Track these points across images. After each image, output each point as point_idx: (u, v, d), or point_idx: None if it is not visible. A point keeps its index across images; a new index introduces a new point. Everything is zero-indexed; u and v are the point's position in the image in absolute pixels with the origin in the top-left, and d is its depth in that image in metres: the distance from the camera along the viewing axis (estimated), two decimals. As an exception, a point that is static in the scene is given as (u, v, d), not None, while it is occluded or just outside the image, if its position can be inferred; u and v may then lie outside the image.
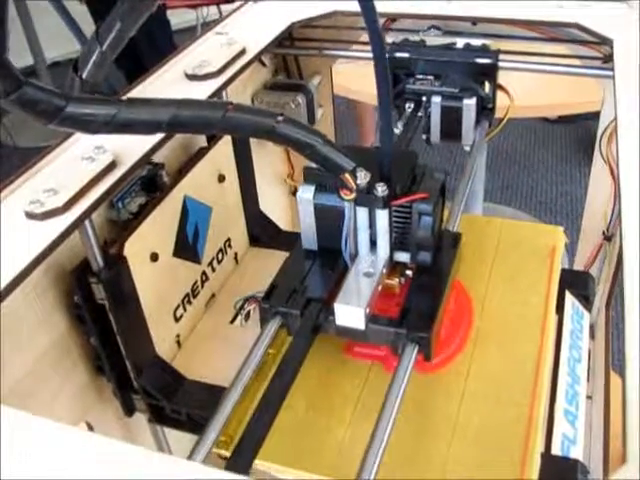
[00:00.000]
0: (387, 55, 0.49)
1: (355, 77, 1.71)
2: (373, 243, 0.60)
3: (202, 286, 0.79)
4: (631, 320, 0.44)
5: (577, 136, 2.50)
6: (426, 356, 0.57)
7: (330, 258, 0.62)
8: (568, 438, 0.57)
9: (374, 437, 0.49)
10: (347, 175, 0.54)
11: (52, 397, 0.64)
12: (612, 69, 0.71)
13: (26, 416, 0.38)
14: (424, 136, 0.85)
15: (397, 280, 0.62)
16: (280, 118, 0.50)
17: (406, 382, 0.53)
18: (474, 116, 0.81)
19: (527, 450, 0.54)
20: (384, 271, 0.60)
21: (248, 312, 0.79)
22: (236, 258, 0.86)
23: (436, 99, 0.81)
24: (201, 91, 0.72)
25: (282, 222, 0.99)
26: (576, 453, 0.56)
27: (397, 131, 0.81)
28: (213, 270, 0.81)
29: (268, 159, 1.02)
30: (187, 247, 0.75)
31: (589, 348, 0.69)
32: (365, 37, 0.95)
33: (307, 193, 0.60)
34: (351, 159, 0.54)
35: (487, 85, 0.82)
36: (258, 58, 0.84)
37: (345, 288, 0.57)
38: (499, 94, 0.84)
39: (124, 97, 0.47)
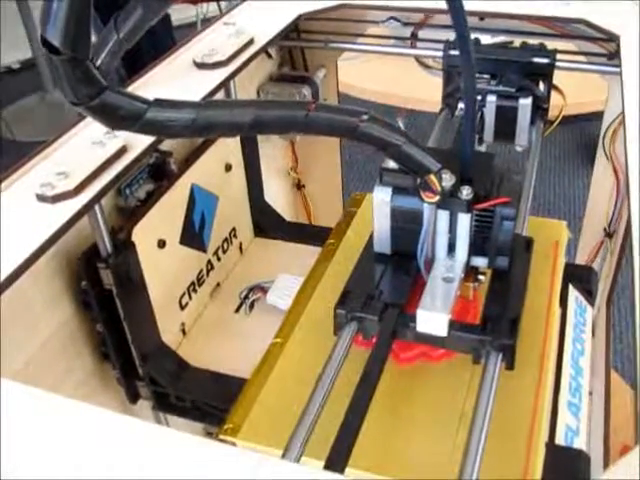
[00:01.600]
0: (442, 53, 0.47)
1: (358, 74, 1.73)
2: (450, 247, 0.58)
3: (207, 275, 0.79)
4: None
5: (578, 137, 2.50)
6: (508, 364, 0.55)
7: (403, 262, 0.59)
8: (571, 429, 0.58)
9: (469, 444, 0.48)
10: (432, 177, 0.51)
11: (57, 383, 0.65)
12: (618, 65, 0.71)
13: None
14: (477, 135, 0.83)
15: (471, 285, 0.60)
16: (365, 117, 0.47)
17: (494, 390, 0.52)
18: (529, 116, 0.80)
19: (532, 440, 0.54)
20: (462, 276, 0.57)
21: (252, 301, 0.79)
22: (241, 248, 0.86)
23: (491, 98, 0.80)
24: (210, 79, 0.72)
25: (285, 214, 1.00)
26: (579, 444, 0.57)
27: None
28: (218, 259, 0.81)
29: (273, 151, 1.02)
30: (194, 235, 0.75)
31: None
32: (372, 30, 0.96)
33: (384, 195, 0.57)
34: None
35: (541, 85, 0.81)
36: (265, 49, 0.84)
37: (426, 293, 0.55)
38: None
39: (205, 99, 0.45)
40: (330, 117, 0.47)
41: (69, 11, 0.36)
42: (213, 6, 2.32)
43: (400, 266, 0.59)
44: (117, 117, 0.42)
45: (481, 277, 0.60)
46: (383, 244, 0.60)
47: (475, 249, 0.58)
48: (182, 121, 0.43)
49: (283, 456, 0.47)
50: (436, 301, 0.54)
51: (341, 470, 0.45)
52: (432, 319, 0.54)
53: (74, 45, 0.37)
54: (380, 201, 0.57)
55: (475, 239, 0.57)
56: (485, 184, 0.55)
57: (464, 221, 0.55)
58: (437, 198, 0.53)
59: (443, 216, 0.56)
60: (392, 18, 0.92)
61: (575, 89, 1.41)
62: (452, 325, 0.54)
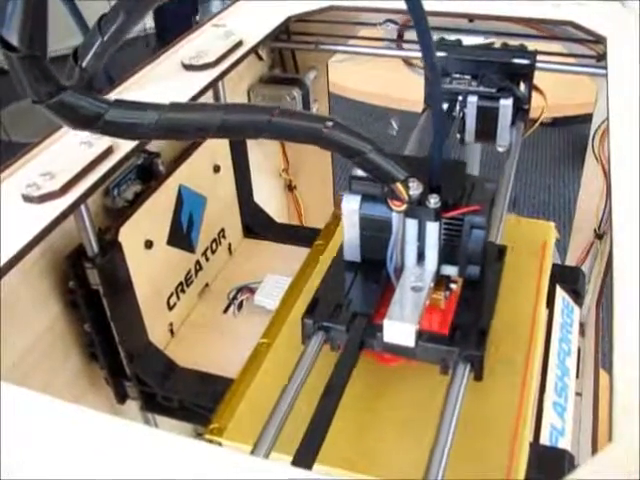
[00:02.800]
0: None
1: (350, 75, 1.73)
2: (419, 256, 0.57)
3: (196, 275, 0.79)
4: (619, 307, 0.44)
5: (570, 139, 2.51)
6: (477, 375, 0.54)
7: (373, 270, 0.59)
8: (556, 429, 0.58)
9: (434, 453, 0.48)
10: (399, 185, 0.51)
11: (44, 383, 0.65)
12: (605, 67, 0.71)
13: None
14: (458, 136, 0.84)
15: (442, 294, 0.59)
16: (329, 123, 0.47)
17: (460, 402, 0.51)
18: (510, 117, 0.80)
19: (516, 440, 0.54)
20: (432, 285, 0.57)
21: (241, 302, 0.80)
22: (230, 249, 0.86)
23: (472, 99, 0.80)
24: (198, 81, 0.72)
25: (277, 215, 1.00)
26: (564, 444, 0.57)
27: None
28: (207, 260, 0.81)
29: (263, 152, 1.02)
30: (181, 236, 0.75)
31: (579, 346, 0.70)
32: (362, 32, 0.97)
33: (353, 203, 0.57)
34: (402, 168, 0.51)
35: (522, 86, 0.81)
36: (255, 51, 0.85)
37: (394, 303, 0.54)
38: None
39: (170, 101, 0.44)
40: (295, 123, 0.47)
41: (25, 9, 0.37)
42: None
43: (370, 274, 0.59)
44: (77, 117, 0.42)
45: (453, 286, 0.59)
46: (353, 252, 0.60)
47: (446, 258, 0.57)
48: (144, 122, 0.43)
49: (252, 452, 0.47)
50: (404, 311, 0.54)
51: (308, 466, 0.45)
52: (399, 329, 0.53)
53: (31, 42, 0.38)
54: (349, 209, 0.57)
55: (445, 248, 0.57)
56: (454, 192, 0.55)
57: (432, 230, 0.55)
58: (405, 206, 0.53)
59: (411, 224, 0.55)
60: (389, 20, 0.93)
61: (569, 91, 1.42)
62: (420, 335, 0.53)
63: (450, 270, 0.58)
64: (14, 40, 0.37)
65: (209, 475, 0.34)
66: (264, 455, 0.47)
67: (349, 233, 0.59)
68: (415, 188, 0.52)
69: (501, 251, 0.63)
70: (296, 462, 0.45)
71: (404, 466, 0.52)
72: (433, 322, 0.58)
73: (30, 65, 0.39)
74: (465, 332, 0.55)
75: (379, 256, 0.57)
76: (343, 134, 0.48)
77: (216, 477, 0.34)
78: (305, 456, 0.46)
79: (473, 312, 0.57)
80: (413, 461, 0.51)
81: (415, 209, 0.53)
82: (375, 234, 0.57)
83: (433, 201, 0.53)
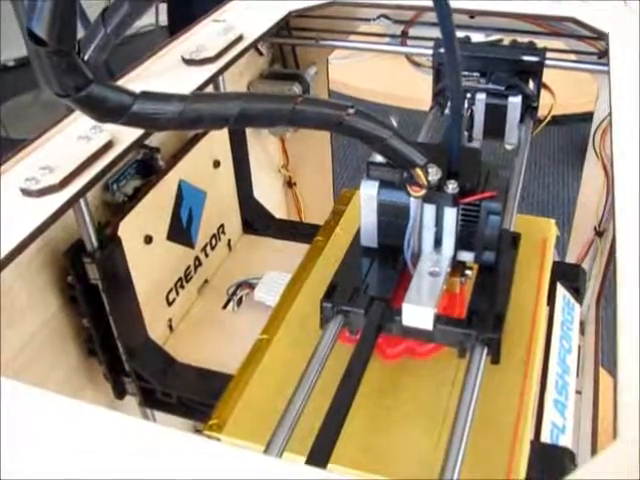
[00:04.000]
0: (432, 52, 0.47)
1: (352, 73, 1.73)
2: (436, 242, 0.58)
3: (195, 271, 0.79)
4: (623, 304, 0.44)
5: (570, 138, 2.51)
6: (494, 358, 0.55)
7: (390, 256, 0.59)
8: (557, 427, 0.58)
9: (452, 442, 0.47)
10: (419, 170, 0.51)
11: (42, 379, 0.64)
12: (607, 64, 0.71)
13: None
14: (466, 133, 0.83)
15: (458, 279, 0.60)
16: (351, 110, 0.47)
17: (479, 384, 0.52)
18: (519, 114, 0.80)
19: (516, 438, 0.54)
20: (448, 270, 0.58)
21: (240, 298, 0.80)
22: (229, 245, 0.86)
23: (481, 96, 0.80)
24: (198, 76, 0.72)
25: (276, 211, 1.00)
26: (565, 442, 0.57)
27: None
28: (206, 256, 0.81)
29: (263, 148, 1.02)
30: (181, 231, 0.75)
31: (579, 344, 0.69)
32: (363, 28, 0.96)
33: (371, 189, 0.57)
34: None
35: (531, 83, 0.81)
36: (255, 46, 0.84)
37: (412, 287, 0.55)
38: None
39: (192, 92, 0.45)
40: (316, 110, 0.47)
41: (55, 3, 0.36)
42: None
43: (387, 260, 0.60)
44: (104, 109, 0.42)
45: (468, 272, 0.60)
46: (370, 238, 0.60)
47: (462, 244, 0.58)
48: (169, 113, 0.43)
49: (265, 451, 0.47)
50: (422, 295, 0.54)
51: (323, 465, 0.45)
52: (418, 313, 0.54)
53: (60, 37, 0.37)
54: (367, 195, 0.57)
55: (462, 234, 0.57)
56: (472, 178, 0.55)
57: (450, 215, 0.55)
58: (423, 192, 0.53)
59: (429, 210, 0.56)
60: (382, 16, 0.93)
61: (571, 89, 1.42)
62: (438, 319, 0.54)
63: (466, 256, 0.59)
64: (43, 34, 0.36)
65: (208, 471, 0.33)
66: (277, 454, 0.47)
67: (367, 218, 0.59)
68: (434, 174, 0.52)
69: (515, 238, 0.64)
70: (311, 460, 0.45)
71: (418, 464, 0.52)
72: (450, 306, 0.59)
73: (58, 59, 0.38)
74: (482, 316, 0.55)
75: (396, 242, 0.58)
76: (364, 121, 0.48)
77: (215, 473, 0.33)
78: (320, 454, 0.46)
79: (489, 297, 0.57)
80: (427, 458, 0.51)
81: (433, 195, 0.54)
82: (393, 220, 0.58)
83: (451, 187, 0.53)
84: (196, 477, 0.33)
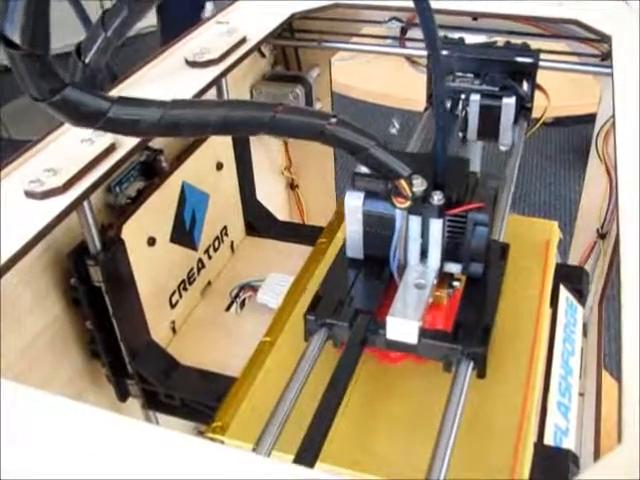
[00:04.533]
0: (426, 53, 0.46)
1: (354, 75, 1.73)
2: (422, 253, 0.57)
3: (198, 273, 0.79)
4: (627, 306, 0.44)
5: (573, 139, 2.51)
6: (480, 372, 0.54)
7: (375, 267, 0.59)
8: (560, 429, 0.58)
9: (436, 451, 0.47)
10: (403, 182, 0.51)
11: (45, 381, 0.64)
12: (610, 66, 0.71)
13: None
14: (460, 134, 0.84)
15: (445, 292, 0.59)
16: (333, 120, 0.47)
17: (463, 400, 0.51)
18: (513, 115, 0.80)
19: (520, 440, 0.54)
20: (435, 282, 0.57)
21: (243, 300, 0.80)
22: (232, 247, 0.86)
23: (475, 97, 0.80)
24: (201, 78, 0.72)
25: (279, 213, 1.00)
26: (568, 444, 0.57)
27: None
28: (209, 258, 0.81)
29: (266, 151, 1.02)
30: (184, 233, 0.75)
31: (582, 345, 0.69)
32: (365, 30, 0.96)
33: (356, 200, 0.57)
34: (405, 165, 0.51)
35: (525, 84, 0.81)
36: (258, 48, 0.84)
37: (397, 300, 0.54)
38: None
39: (171, 99, 0.44)
40: (297, 119, 0.47)
41: (27, 6, 0.36)
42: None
43: (373, 272, 0.59)
44: (79, 114, 0.41)
45: (456, 283, 0.59)
46: (356, 249, 0.60)
47: (449, 255, 0.57)
48: (148, 120, 0.43)
49: (253, 450, 0.47)
50: (407, 308, 0.54)
51: (310, 464, 0.45)
52: (402, 326, 0.53)
53: (33, 40, 0.37)
54: (352, 206, 0.57)
55: (448, 245, 0.57)
56: (458, 189, 0.55)
57: (436, 227, 0.55)
58: (408, 203, 0.52)
59: (415, 221, 0.55)
60: (394, 19, 0.92)
61: (573, 91, 1.42)
62: (423, 332, 0.53)
63: (453, 268, 0.58)
64: (16, 37, 0.36)
65: (211, 473, 0.33)
66: (265, 453, 0.47)
67: (352, 230, 0.59)
68: (419, 185, 0.51)
69: (504, 249, 0.63)
70: (298, 460, 0.45)
71: (407, 465, 0.52)
72: (436, 319, 0.58)
73: (32, 63, 0.38)
74: (468, 329, 0.54)
75: (382, 253, 0.57)
76: (346, 130, 0.48)
77: (218, 475, 0.33)
78: (307, 454, 0.46)
79: (476, 310, 0.57)
80: (416, 460, 0.51)
81: (418, 206, 0.53)
82: (378, 231, 0.57)
83: (437, 198, 0.53)
84: (196, 477, 0.33)
